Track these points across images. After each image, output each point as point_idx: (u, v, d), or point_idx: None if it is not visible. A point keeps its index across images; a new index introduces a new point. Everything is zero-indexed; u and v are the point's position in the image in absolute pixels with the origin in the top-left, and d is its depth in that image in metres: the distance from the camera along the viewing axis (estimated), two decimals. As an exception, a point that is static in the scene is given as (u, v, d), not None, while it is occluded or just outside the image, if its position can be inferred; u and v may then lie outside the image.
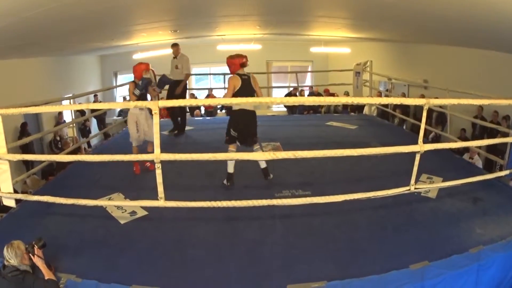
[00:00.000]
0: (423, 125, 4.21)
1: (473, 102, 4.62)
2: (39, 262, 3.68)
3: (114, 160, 4.11)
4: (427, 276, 4.00)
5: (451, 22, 7.99)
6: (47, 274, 3.66)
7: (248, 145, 6.19)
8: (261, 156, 4.07)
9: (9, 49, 9.55)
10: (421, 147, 4.13)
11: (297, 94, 16.82)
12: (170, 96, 9.40)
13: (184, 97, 9.82)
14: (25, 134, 11.81)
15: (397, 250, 4.46)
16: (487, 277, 4.24)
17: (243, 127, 6.11)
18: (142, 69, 6.72)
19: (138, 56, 16.01)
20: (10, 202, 4.42)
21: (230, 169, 6.21)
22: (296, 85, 17.09)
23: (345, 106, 16.06)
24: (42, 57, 14.13)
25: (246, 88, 6.07)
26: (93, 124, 17.04)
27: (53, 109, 5.06)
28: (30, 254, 3.68)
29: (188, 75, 9.81)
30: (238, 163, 6.12)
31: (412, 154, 4.25)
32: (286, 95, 17.15)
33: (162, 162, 3.99)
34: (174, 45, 9.62)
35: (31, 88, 12.92)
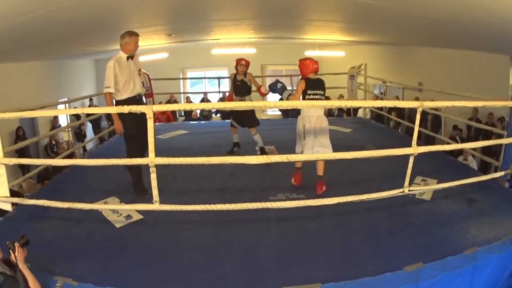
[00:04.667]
0: (416, 128, 4.22)
1: (467, 104, 4.63)
2: (23, 266, 3.45)
3: (109, 164, 4.12)
4: (422, 278, 4.01)
5: (445, 25, 8.01)
6: (32, 282, 3.44)
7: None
8: (255, 160, 4.06)
9: (3, 53, 9.53)
10: (415, 149, 4.14)
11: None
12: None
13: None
14: (21, 138, 11.80)
15: (392, 252, 4.47)
16: (482, 278, 4.26)
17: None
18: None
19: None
20: (6, 206, 4.42)
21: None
22: (290, 88, 17.11)
23: (339, 109, 16.09)
24: (37, 61, 14.13)
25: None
26: (89, 128, 17.03)
27: (48, 113, 5.07)
28: (11, 252, 3.43)
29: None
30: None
31: (407, 157, 4.27)
32: (280, 99, 17.19)
33: (157, 166, 3.99)
34: (135, 34, 5.90)
35: (26, 92, 12.92)
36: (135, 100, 5.86)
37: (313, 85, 6.10)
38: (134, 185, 5.98)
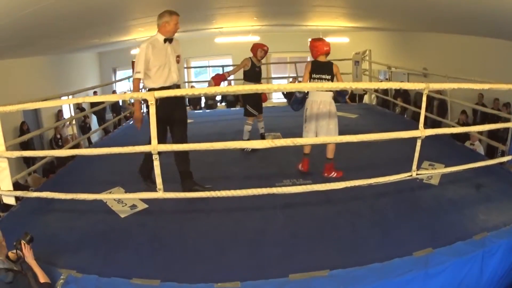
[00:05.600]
0: (423, 110, 4.16)
1: (473, 87, 4.56)
2: (33, 263, 3.47)
3: (113, 153, 4.06)
4: (431, 264, 3.96)
5: (450, 10, 7.94)
6: (42, 277, 3.45)
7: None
8: (260, 144, 4.00)
9: (5, 49, 9.50)
10: (422, 132, 4.07)
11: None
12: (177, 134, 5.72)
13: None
14: (25, 133, 11.79)
15: (400, 237, 4.42)
16: (492, 263, 4.21)
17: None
18: None
19: (136, 52, 15.98)
20: (10, 200, 4.39)
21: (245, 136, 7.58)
22: (295, 75, 17.06)
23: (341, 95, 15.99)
24: (40, 56, 14.10)
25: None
26: (93, 121, 17.04)
27: (50, 104, 5.03)
28: (19, 251, 3.45)
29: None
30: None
31: (414, 142, 4.21)
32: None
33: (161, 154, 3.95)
34: (176, 14, 5.29)
35: (28, 88, 12.88)
36: (176, 87, 5.35)
37: (319, 69, 5.92)
38: (141, 170, 5.74)
